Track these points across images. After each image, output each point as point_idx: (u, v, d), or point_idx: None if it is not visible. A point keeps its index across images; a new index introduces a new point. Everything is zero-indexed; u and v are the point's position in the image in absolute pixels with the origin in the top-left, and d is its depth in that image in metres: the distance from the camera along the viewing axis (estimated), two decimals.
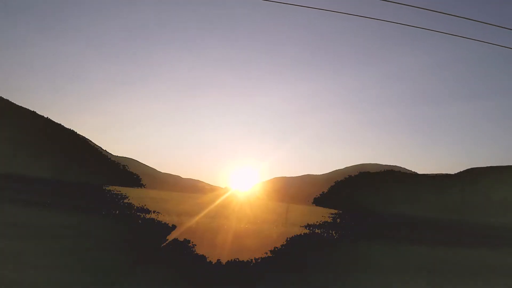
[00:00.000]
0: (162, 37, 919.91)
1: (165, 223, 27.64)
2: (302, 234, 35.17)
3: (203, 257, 16.09)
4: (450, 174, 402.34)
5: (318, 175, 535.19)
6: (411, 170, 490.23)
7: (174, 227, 26.09)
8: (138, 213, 36.24)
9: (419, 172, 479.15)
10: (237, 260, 16.88)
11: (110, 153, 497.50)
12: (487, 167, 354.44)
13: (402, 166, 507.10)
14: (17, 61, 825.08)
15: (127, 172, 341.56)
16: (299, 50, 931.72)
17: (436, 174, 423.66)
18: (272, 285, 15.01)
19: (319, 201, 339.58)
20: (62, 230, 20.21)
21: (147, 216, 35.15)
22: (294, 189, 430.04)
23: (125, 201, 57.68)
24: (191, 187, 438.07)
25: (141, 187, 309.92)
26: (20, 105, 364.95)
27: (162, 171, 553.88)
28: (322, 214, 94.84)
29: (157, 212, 41.79)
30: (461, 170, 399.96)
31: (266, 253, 21.36)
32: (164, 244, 17.67)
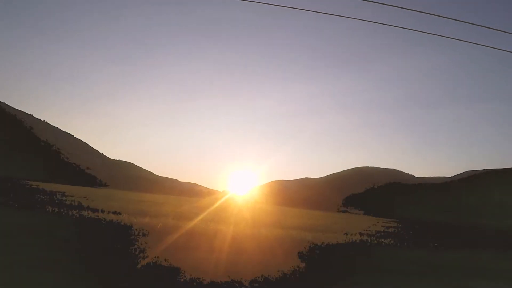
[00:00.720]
0: (159, 40, 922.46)
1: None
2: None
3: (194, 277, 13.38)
4: (447, 177, 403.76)
5: (316, 178, 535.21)
6: (408, 173, 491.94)
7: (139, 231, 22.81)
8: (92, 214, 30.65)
9: (416, 175, 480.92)
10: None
11: (108, 157, 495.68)
12: (484, 170, 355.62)
13: (400, 169, 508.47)
14: (16, 63, 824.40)
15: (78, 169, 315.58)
16: (297, 53, 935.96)
17: (434, 178, 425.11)
18: None
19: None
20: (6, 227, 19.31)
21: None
22: (292, 192, 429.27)
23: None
24: (189, 191, 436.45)
25: (100, 186, 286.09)
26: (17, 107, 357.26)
27: (160, 175, 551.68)
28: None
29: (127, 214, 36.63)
30: (459, 173, 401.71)
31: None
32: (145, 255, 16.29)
